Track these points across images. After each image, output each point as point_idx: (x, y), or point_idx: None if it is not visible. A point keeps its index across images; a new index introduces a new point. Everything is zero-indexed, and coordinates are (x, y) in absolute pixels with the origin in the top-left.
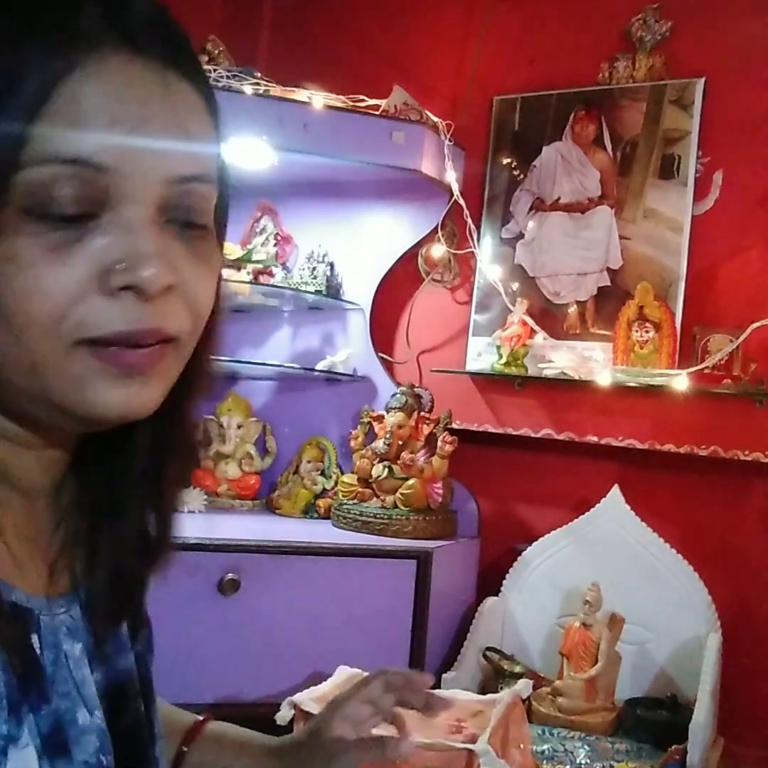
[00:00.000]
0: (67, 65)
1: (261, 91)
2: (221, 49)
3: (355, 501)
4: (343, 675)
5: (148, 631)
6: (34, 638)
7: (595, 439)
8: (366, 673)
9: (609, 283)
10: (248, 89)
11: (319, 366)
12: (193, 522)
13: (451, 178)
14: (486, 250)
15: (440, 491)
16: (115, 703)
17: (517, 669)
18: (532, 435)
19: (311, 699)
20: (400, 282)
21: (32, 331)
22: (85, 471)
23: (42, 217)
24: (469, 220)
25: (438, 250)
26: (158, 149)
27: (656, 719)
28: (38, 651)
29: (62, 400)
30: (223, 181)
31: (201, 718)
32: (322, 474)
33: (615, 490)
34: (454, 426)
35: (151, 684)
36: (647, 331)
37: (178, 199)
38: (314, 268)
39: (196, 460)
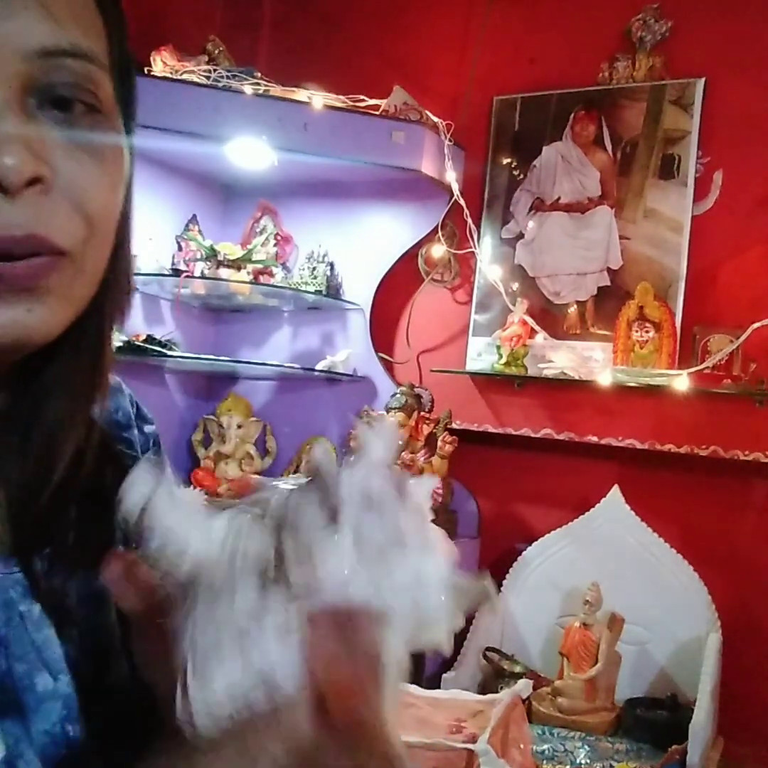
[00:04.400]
0: None
1: (261, 91)
2: (221, 49)
3: None
4: None
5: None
6: None
7: (595, 439)
8: None
9: (609, 283)
10: (248, 89)
11: (319, 366)
12: None
13: (451, 178)
14: (486, 250)
15: (440, 491)
16: (94, 665)
17: (517, 669)
18: (532, 435)
19: None
20: (400, 282)
21: None
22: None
23: None
24: (469, 220)
25: (438, 250)
26: (9, 19)
27: (656, 719)
28: None
29: None
30: (124, 70)
31: None
32: None
33: (615, 490)
34: (454, 426)
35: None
36: (647, 331)
37: (45, 78)
38: (314, 268)
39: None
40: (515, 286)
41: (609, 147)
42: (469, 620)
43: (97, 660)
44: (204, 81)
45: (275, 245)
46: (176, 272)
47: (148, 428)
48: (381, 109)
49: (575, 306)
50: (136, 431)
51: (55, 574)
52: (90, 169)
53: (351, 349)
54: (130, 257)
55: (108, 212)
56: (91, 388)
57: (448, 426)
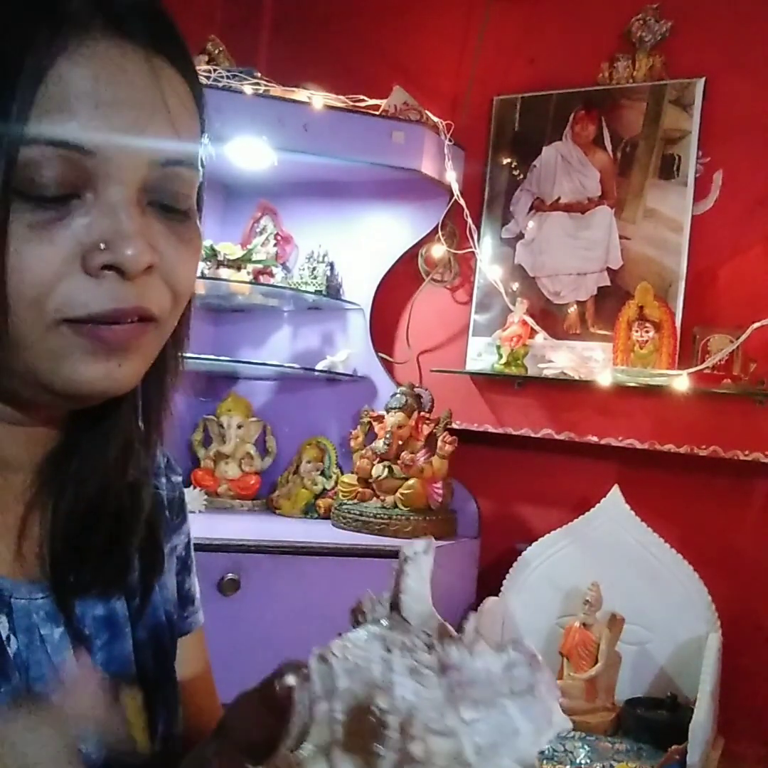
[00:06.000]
0: (58, 50)
1: (261, 91)
2: (221, 49)
3: (355, 501)
4: None
5: (180, 617)
6: (3, 618)
7: (595, 439)
8: None
9: (609, 283)
10: (248, 89)
11: (319, 366)
12: (193, 522)
13: (451, 178)
14: (486, 250)
15: (440, 491)
16: (109, 689)
17: None
18: (532, 435)
19: None
20: (400, 282)
21: (16, 307)
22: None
23: (28, 197)
24: (469, 220)
25: (438, 250)
26: (142, 133)
27: (656, 719)
28: (7, 632)
29: (43, 375)
30: (204, 168)
31: None
32: (322, 474)
33: (615, 490)
34: (454, 426)
35: (159, 675)
36: (647, 331)
37: (160, 182)
38: (314, 268)
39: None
40: (515, 286)
41: (609, 147)
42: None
43: (111, 685)
44: (204, 81)
45: (275, 245)
46: None
47: (175, 478)
48: (381, 109)
49: (575, 306)
50: (164, 479)
51: (78, 603)
52: (182, 253)
53: (351, 349)
54: (191, 319)
55: (190, 286)
56: (149, 436)
57: (448, 426)
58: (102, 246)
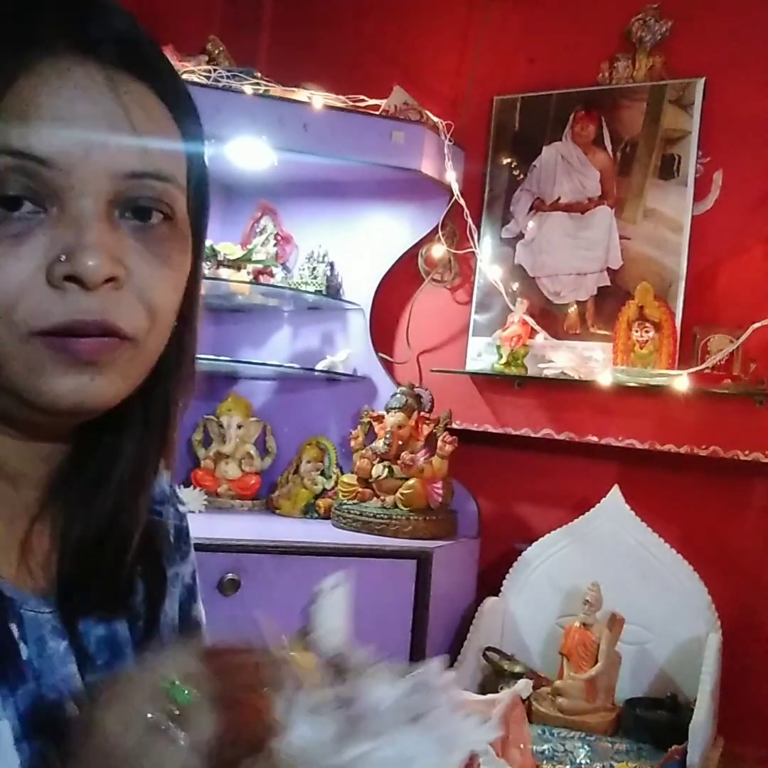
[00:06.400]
0: (21, 66)
1: (261, 91)
2: (221, 49)
3: (355, 501)
4: None
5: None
6: (13, 627)
7: (595, 439)
8: None
9: (609, 283)
10: (248, 89)
11: (319, 366)
12: (193, 522)
13: (451, 178)
14: (486, 250)
15: (440, 491)
16: None
17: (517, 669)
18: (532, 435)
19: None
20: (400, 282)
21: None
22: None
23: None
24: (469, 220)
25: (438, 250)
26: (102, 146)
27: (656, 719)
28: (18, 640)
29: (17, 387)
30: (199, 184)
31: None
32: (322, 474)
33: (615, 490)
34: (454, 426)
35: None
36: (647, 331)
37: (129, 194)
38: (314, 268)
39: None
40: (515, 286)
41: (609, 147)
42: (470, 620)
43: None
44: (204, 81)
45: (275, 245)
46: None
47: (182, 508)
48: (381, 109)
49: (575, 306)
50: (170, 507)
51: (82, 619)
52: (158, 270)
53: (351, 349)
54: (194, 343)
55: (169, 306)
56: (157, 459)
57: (448, 426)
58: (63, 257)
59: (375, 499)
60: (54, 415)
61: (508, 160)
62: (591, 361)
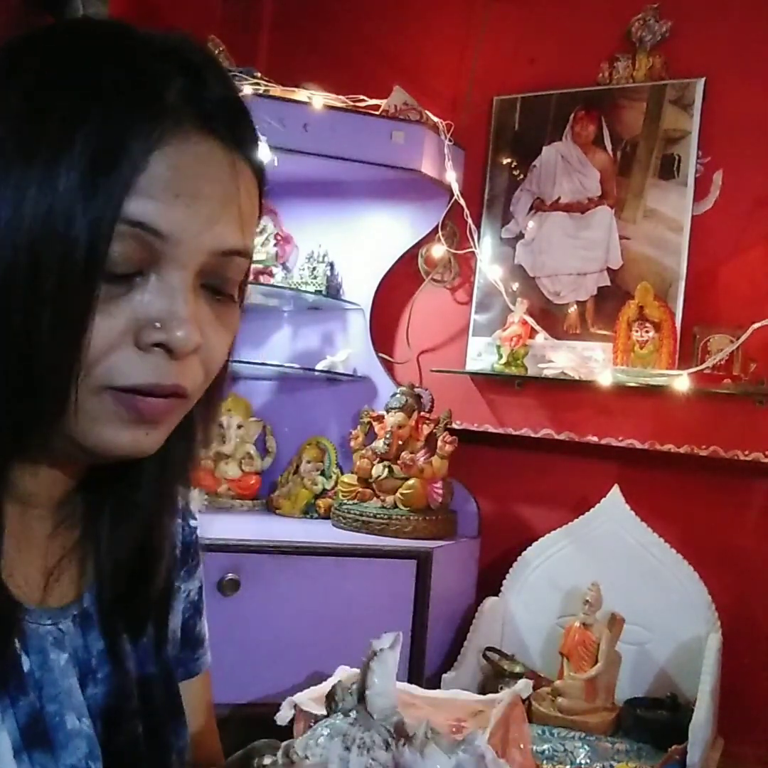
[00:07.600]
0: (159, 139)
1: (261, 91)
2: (221, 49)
3: (355, 501)
4: (343, 675)
5: (191, 655)
6: (15, 640)
7: (595, 439)
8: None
9: (609, 283)
10: (248, 89)
11: (319, 366)
12: None
13: (451, 178)
14: (486, 250)
15: (440, 491)
16: (109, 720)
17: (517, 669)
18: (532, 435)
19: (311, 699)
20: (400, 282)
21: (67, 371)
22: (93, 490)
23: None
24: (469, 220)
25: (438, 250)
26: (214, 224)
27: (656, 719)
28: (19, 651)
29: (75, 433)
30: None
31: None
32: (322, 474)
33: (615, 490)
34: (454, 426)
35: (166, 710)
36: (647, 331)
37: (217, 268)
38: (314, 268)
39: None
40: (515, 286)
41: (609, 147)
42: (470, 620)
43: (111, 716)
44: None
45: (275, 245)
46: None
47: (193, 522)
48: (381, 109)
49: (575, 306)
50: (181, 522)
51: (84, 633)
52: (221, 336)
53: (351, 349)
54: (226, 386)
55: (221, 365)
56: (183, 480)
57: (448, 426)
58: (157, 325)
59: (375, 499)
60: (99, 459)
61: (508, 160)
62: (591, 361)
